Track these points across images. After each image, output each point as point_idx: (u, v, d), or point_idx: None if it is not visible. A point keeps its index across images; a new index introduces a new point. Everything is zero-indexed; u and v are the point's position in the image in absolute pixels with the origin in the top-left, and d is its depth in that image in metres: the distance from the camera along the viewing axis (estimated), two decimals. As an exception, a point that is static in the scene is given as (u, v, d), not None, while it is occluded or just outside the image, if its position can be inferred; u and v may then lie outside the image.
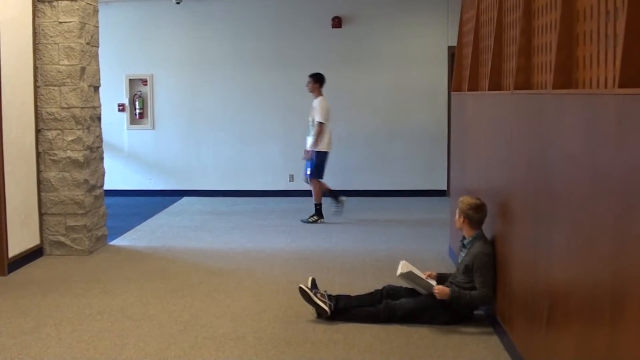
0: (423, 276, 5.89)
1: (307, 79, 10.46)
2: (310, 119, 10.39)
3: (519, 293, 4.96)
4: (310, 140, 10.37)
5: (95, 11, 8.57)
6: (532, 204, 4.62)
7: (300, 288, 5.95)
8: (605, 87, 3.54)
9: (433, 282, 5.88)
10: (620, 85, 3.10)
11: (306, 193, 12.60)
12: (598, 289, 3.34)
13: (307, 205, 11.62)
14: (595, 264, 3.38)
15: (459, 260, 5.97)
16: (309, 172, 10.47)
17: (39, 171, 8.11)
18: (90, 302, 6.41)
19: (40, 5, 8.02)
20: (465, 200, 5.93)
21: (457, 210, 5.93)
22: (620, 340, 3.06)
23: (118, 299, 6.52)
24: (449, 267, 7.26)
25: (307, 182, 10.62)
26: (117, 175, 12.38)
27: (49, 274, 7.41)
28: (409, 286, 6.02)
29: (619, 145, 3.09)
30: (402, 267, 5.91)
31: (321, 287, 6.10)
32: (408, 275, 5.86)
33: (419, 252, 8.23)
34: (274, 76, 12.61)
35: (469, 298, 5.64)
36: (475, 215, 5.83)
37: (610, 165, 3.19)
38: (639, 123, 2.88)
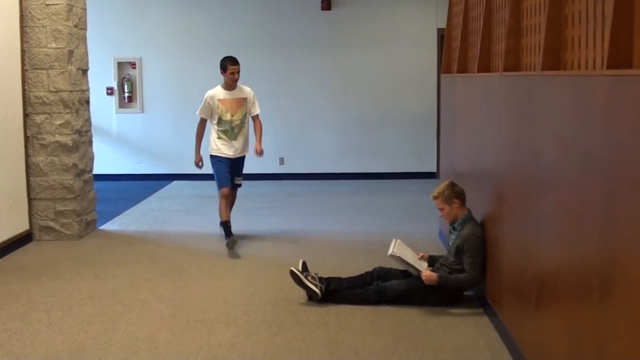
0: (416, 256, 5.92)
1: (234, 66, 7.98)
2: (235, 116, 8.07)
3: (508, 274, 4.98)
4: (242, 140, 8.17)
5: (83, -6, 8.53)
6: (521, 186, 4.63)
7: (291, 271, 5.96)
8: (594, 68, 3.55)
9: (424, 264, 5.90)
10: (609, 67, 3.11)
11: (298, 176, 12.61)
12: (587, 269, 3.35)
13: (299, 189, 11.62)
14: (584, 245, 3.39)
15: (450, 243, 5.99)
16: (240, 181, 8.38)
17: (27, 156, 8.08)
18: (81, 287, 6.41)
19: (27, -11, 7.97)
20: (441, 189, 5.97)
21: (442, 204, 5.92)
22: (609, 320, 3.08)
23: (108, 283, 6.52)
24: (439, 249, 7.28)
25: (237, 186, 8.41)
26: (106, 159, 12.34)
27: (39, 260, 7.40)
28: (400, 266, 6.04)
29: (607, 127, 3.10)
30: (396, 246, 5.93)
31: (312, 270, 6.11)
32: (400, 253, 5.88)
33: (409, 234, 8.24)
34: (263, 59, 12.55)
35: (457, 282, 5.66)
36: (459, 188, 5.92)
37: (598, 147, 3.20)
38: (627, 104, 2.89)
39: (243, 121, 8.10)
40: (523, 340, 4.55)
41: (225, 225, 7.82)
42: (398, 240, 6.02)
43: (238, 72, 7.99)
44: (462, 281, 5.67)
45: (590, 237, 3.31)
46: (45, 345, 5.04)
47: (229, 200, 8.08)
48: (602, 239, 3.15)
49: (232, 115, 8.01)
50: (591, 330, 3.30)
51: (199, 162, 8.38)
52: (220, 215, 7.90)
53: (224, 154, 8.04)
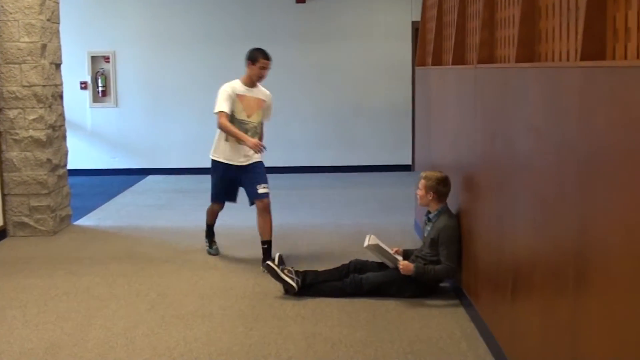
0: (390, 251, 5.93)
1: (267, 61, 6.92)
2: (252, 118, 6.90)
3: (484, 265, 5.01)
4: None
5: (55, -12, 8.45)
6: (496, 177, 4.65)
7: (267, 265, 5.95)
8: (568, 59, 3.57)
9: (399, 258, 5.92)
10: (582, 58, 3.13)
11: (273, 170, 12.51)
12: (562, 259, 3.38)
13: (274, 182, 11.53)
14: (559, 235, 3.42)
15: (425, 235, 6.01)
16: (265, 189, 6.94)
17: (0, 151, 8.00)
18: (56, 283, 6.36)
19: (-2, -17, 7.89)
20: (432, 175, 5.94)
21: (423, 187, 5.92)
22: (584, 309, 3.10)
23: (84, 279, 6.48)
24: (414, 241, 7.30)
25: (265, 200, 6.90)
26: (81, 154, 12.23)
27: (13, 256, 7.34)
28: (376, 259, 6.05)
29: (581, 118, 3.12)
30: (370, 239, 5.95)
31: (288, 263, 6.11)
32: (375, 248, 5.90)
33: (385, 226, 8.26)
34: (238, 52, 12.33)
35: (433, 273, 5.69)
36: (444, 188, 5.87)
37: (573, 137, 3.22)
38: (601, 95, 2.91)
39: (258, 125, 6.96)
40: (499, 330, 4.58)
41: (209, 228, 7.43)
42: (372, 235, 6.03)
43: (268, 70, 6.94)
44: (438, 272, 5.70)
45: (565, 228, 3.33)
46: (20, 342, 5.01)
47: (264, 218, 6.84)
48: (577, 229, 3.18)
49: (248, 116, 6.83)
50: (566, 320, 3.32)
51: (259, 144, 6.70)
52: (207, 217, 7.45)
53: (230, 160, 6.91)
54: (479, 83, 5.15)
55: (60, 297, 5.99)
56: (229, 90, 6.79)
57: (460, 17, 6.10)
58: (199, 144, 12.73)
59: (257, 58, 6.87)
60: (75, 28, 11.99)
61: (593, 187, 2.99)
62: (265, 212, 6.83)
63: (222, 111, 6.70)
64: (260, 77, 6.91)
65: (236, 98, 6.79)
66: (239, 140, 6.75)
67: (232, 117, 6.77)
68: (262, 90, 7.03)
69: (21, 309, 5.69)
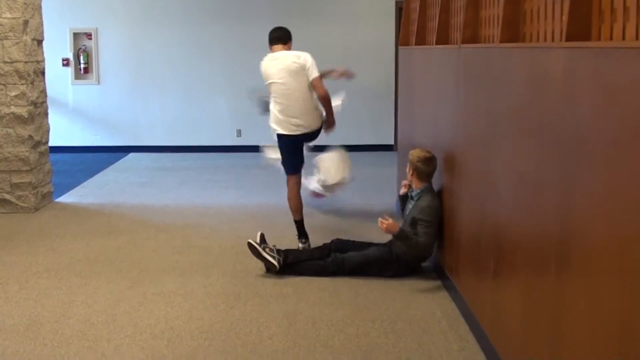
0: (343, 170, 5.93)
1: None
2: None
3: (466, 246, 5.03)
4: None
5: (37, -38, 8.36)
6: (479, 157, 4.66)
7: (249, 243, 5.95)
8: (553, 40, 3.56)
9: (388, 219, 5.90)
10: (567, 39, 3.13)
11: (255, 148, 12.53)
12: (544, 240, 3.39)
13: (256, 161, 11.54)
14: (541, 216, 3.43)
15: (407, 213, 6.01)
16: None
17: (-19, 127, 7.95)
18: (37, 260, 6.34)
19: (-21, -44, 7.79)
20: (415, 153, 5.94)
21: (408, 163, 5.95)
22: (565, 291, 3.12)
23: (65, 256, 6.46)
24: (396, 221, 7.30)
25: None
26: (62, 131, 12.16)
27: (-6, 232, 7.31)
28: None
29: (565, 98, 3.12)
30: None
31: (270, 242, 6.10)
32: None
33: (367, 205, 8.27)
34: (219, 30, 12.45)
35: (414, 243, 5.64)
36: (424, 167, 5.85)
37: (556, 118, 3.22)
38: (585, 76, 2.92)
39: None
40: (480, 310, 4.60)
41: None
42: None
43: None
44: (418, 245, 5.66)
45: (547, 209, 3.35)
46: (1, 319, 4.99)
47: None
48: (559, 210, 3.19)
49: None
50: (547, 301, 3.34)
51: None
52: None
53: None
54: (463, 63, 5.15)
55: (41, 274, 5.97)
56: None
57: (444, -3, 6.08)
58: (181, 122, 12.73)
59: None
60: (58, 4, 11.90)
61: (575, 169, 2.99)
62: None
63: None
64: None
65: None
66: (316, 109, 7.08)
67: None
68: None
69: (2, 286, 5.67)
